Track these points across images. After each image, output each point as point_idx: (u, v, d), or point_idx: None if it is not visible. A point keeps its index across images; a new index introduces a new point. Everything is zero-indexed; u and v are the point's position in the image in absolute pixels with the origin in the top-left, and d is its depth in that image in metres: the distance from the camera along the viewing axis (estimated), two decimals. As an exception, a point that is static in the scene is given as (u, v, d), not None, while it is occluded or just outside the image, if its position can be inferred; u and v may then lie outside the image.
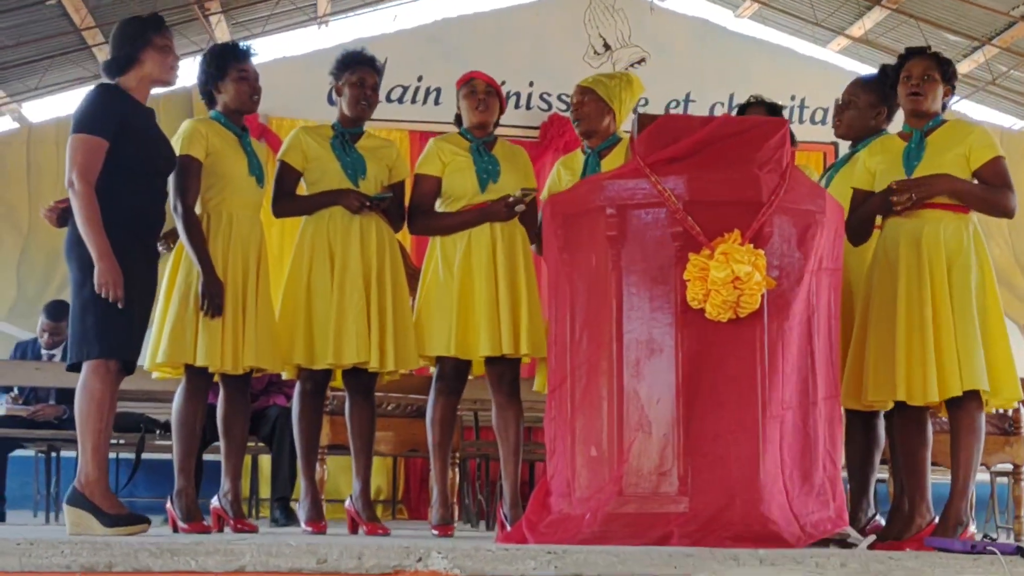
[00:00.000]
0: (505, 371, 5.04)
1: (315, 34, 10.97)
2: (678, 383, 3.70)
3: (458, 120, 5.25)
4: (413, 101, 10.50)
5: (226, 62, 4.80)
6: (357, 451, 4.97)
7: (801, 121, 10.81)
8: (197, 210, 4.68)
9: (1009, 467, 6.09)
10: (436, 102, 10.51)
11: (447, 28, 10.63)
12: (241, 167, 4.74)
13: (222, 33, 10.31)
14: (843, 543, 3.80)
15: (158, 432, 6.81)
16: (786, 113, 10.65)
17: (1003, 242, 10.78)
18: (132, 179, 4.29)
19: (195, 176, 4.63)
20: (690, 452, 3.65)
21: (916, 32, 10.61)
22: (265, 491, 7.70)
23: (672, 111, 10.71)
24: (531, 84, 10.59)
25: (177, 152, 4.61)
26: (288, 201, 5.01)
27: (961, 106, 11.43)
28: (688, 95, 10.73)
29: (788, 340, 3.74)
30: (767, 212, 3.76)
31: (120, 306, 4.13)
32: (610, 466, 3.75)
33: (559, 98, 10.59)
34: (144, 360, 4.59)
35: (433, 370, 5.12)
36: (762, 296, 3.69)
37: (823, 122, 10.84)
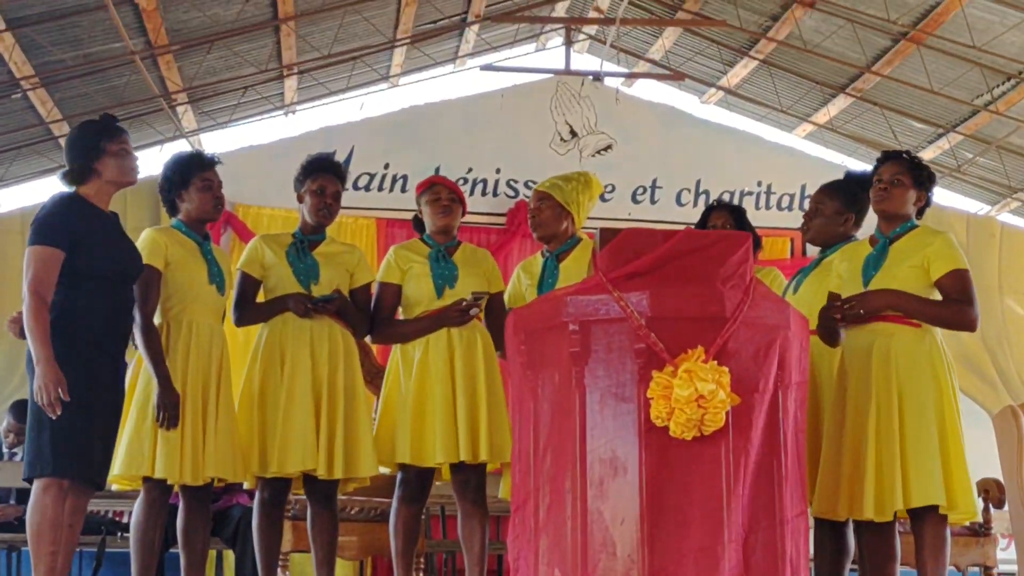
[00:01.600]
0: (470, 477, 4.99)
1: (282, 122, 10.99)
2: (642, 503, 3.63)
3: (418, 224, 5.23)
4: (380, 188, 10.48)
5: (189, 171, 4.78)
6: (319, 562, 4.90)
7: (768, 207, 10.85)
8: (157, 320, 4.64)
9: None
10: (403, 189, 10.49)
11: (414, 116, 10.65)
12: (201, 276, 4.71)
13: (189, 122, 10.31)
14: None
15: (119, 535, 6.69)
16: (752, 200, 10.86)
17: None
18: (97, 288, 4.24)
19: (154, 286, 4.59)
20: (655, 574, 3.59)
21: (881, 119, 10.72)
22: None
23: (639, 197, 10.76)
24: (498, 171, 10.60)
25: None
26: (246, 310, 4.99)
27: (927, 191, 11.52)
28: (655, 181, 10.76)
29: (751, 458, 3.69)
30: (731, 328, 3.72)
31: (53, 417, 4.05)
32: (574, 589, 3.67)
33: (526, 185, 10.60)
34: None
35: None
36: (727, 414, 3.65)
37: (789, 208, 10.88)
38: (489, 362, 4.99)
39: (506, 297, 5.26)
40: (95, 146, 4.39)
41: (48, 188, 4.40)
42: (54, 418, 4.07)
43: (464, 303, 4.91)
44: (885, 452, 4.18)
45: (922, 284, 4.31)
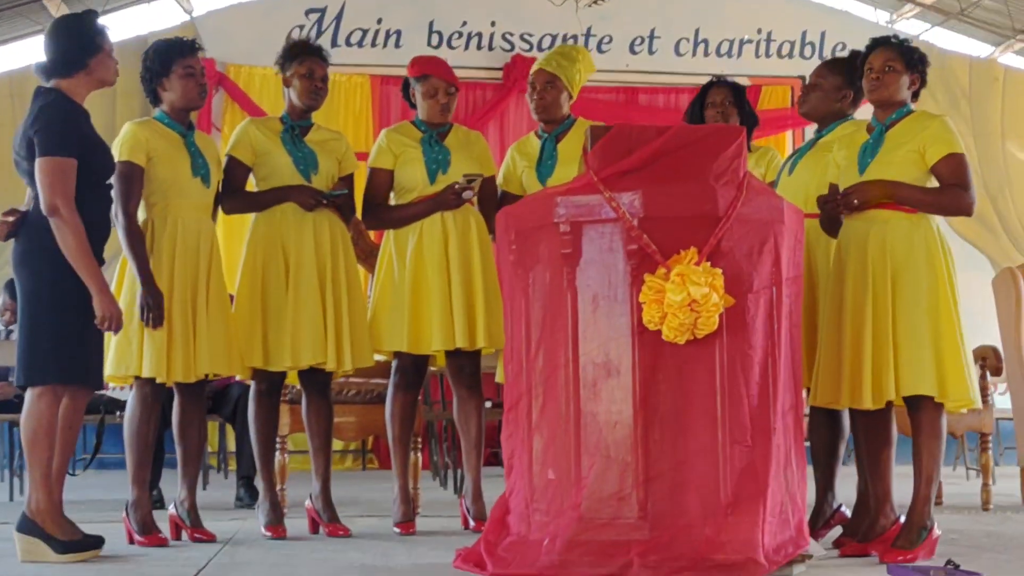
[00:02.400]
0: (465, 363, 4.98)
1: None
2: (636, 406, 3.61)
3: (407, 94, 5.10)
4: (373, 44, 10.30)
5: (170, 58, 4.63)
6: (315, 450, 4.90)
7: (768, 55, 10.68)
8: (140, 216, 4.55)
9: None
10: (397, 45, 10.31)
11: (406, -32, 10.40)
12: (185, 169, 4.60)
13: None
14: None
15: (119, 413, 6.69)
16: (752, 47, 10.66)
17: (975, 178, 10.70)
18: (82, 192, 4.15)
19: (136, 183, 4.49)
20: (650, 478, 3.58)
21: (883, -36, 10.44)
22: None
23: (637, 48, 10.57)
24: (493, 24, 10.40)
25: (117, 158, 4.47)
26: (238, 198, 4.88)
27: (932, 35, 11.29)
28: (653, 31, 10.56)
29: (748, 360, 3.65)
30: (724, 226, 3.65)
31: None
32: (568, 490, 3.66)
33: (522, 38, 10.41)
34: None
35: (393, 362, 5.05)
36: (720, 315, 3.60)
37: (789, 56, 10.72)
38: (484, 246, 4.93)
39: (499, 179, 5.16)
40: (91, 41, 4.26)
41: (34, 113, 4.19)
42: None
43: (457, 186, 4.82)
44: (882, 342, 4.14)
45: (918, 169, 4.22)
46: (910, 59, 4.32)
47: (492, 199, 5.04)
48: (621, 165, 3.73)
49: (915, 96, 4.36)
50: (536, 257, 3.83)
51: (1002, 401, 6.66)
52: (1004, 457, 8.70)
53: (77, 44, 4.26)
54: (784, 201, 3.82)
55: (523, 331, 3.87)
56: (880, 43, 4.35)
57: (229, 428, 7.54)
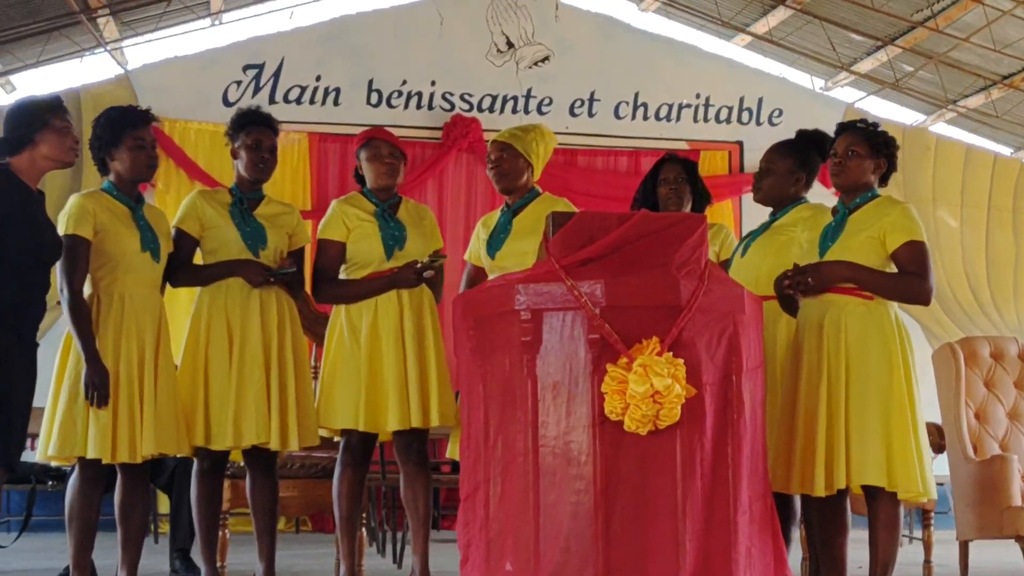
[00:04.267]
0: (412, 440, 4.93)
1: (209, 33, 10.64)
2: (596, 497, 3.59)
3: (359, 178, 5.07)
4: (312, 102, 10.25)
5: (121, 129, 4.57)
6: (260, 531, 4.82)
7: (707, 120, 10.77)
8: (87, 291, 4.47)
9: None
10: (336, 102, 10.28)
11: (346, 26, 10.38)
12: (133, 243, 4.52)
13: (111, 33, 9.94)
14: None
15: (50, 484, 6.56)
16: (690, 112, 10.76)
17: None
18: (15, 271, 4.06)
19: (83, 257, 4.41)
20: (611, 570, 3.55)
21: (820, 31, 10.60)
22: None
23: (577, 111, 10.62)
24: (433, 83, 10.41)
25: (63, 231, 4.40)
26: (185, 271, 4.81)
27: (866, 103, 11.47)
28: (593, 94, 10.62)
29: (706, 449, 3.65)
30: (686, 316, 3.66)
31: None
32: (527, 583, 3.63)
33: (462, 98, 10.43)
34: (37, 451, 4.42)
35: (338, 439, 4.99)
36: (682, 407, 3.59)
37: (727, 120, 10.82)
38: (435, 323, 4.90)
39: (467, 255, 5.16)
40: (39, 118, 4.20)
41: None
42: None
43: (420, 265, 4.79)
44: (834, 428, 4.15)
45: (878, 255, 4.25)
46: (874, 143, 4.36)
47: (440, 273, 5.02)
48: (583, 253, 3.73)
49: (883, 181, 4.41)
50: (495, 344, 3.81)
51: (937, 465, 6.70)
52: (936, 521, 8.77)
53: (25, 122, 4.22)
54: (745, 291, 3.83)
55: (481, 418, 3.84)
56: (845, 128, 4.40)
57: (162, 494, 7.41)
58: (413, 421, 4.74)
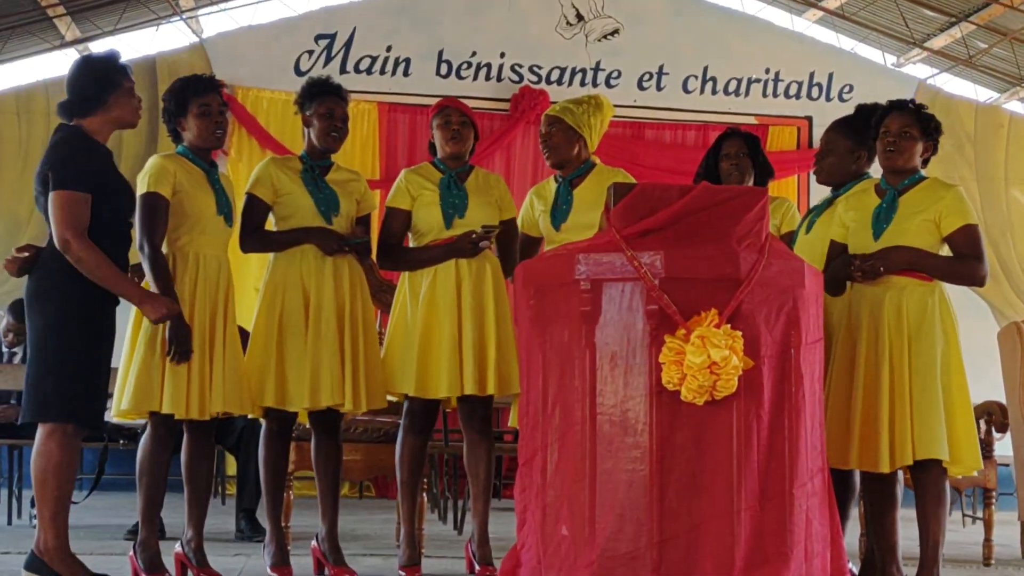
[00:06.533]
0: (476, 407, 4.98)
1: (283, 2, 10.74)
2: (652, 466, 3.60)
3: (432, 148, 5.13)
4: (382, 72, 10.33)
5: (187, 96, 4.64)
6: (323, 492, 4.89)
7: (775, 95, 10.72)
8: (163, 250, 4.56)
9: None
10: (406, 73, 10.34)
11: (417, -2, 10.44)
12: (209, 206, 4.60)
13: (187, 1, 10.06)
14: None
15: (122, 443, 6.70)
16: (759, 87, 10.70)
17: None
18: (100, 232, 4.16)
19: (163, 215, 4.49)
20: (665, 539, 3.57)
21: (892, 5, 10.49)
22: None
23: (645, 84, 10.61)
24: (502, 55, 10.44)
25: (143, 189, 4.48)
26: (257, 237, 4.88)
27: (938, 80, 11.33)
28: (661, 67, 10.60)
29: (764, 423, 3.65)
30: (745, 290, 3.66)
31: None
32: (582, 548, 3.65)
33: (531, 70, 10.45)
34: (112, 408, 4.52)
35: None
36: (739, 378, 3.61)
37: (797, 96, 10.75)
38: (498, 292, 4.94)
39: (519, 221, 5.18)
40: (111, 79, 4.28)
41: (52, 145, 4.23)
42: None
43: (475, 236, 4.84)
44: (898, 406, 4.17)
45: (933, 237, 4.29)
46: (926, 127, 4.35)
47: (512, 242, 5.07)
48: (643, 224, 3.73)
49: (925, 163, 4.40)
50: (555, 314, 3.83)
51: (1001, 447, 6.67)
52: (999, 502, 8.72)
53: (96, 82, 4.29)
54: (805, 265, 3.82)
55: (539, 387, 3.88)
56: (897, 107, 4.38)
57: (229, 456, 7.55)
58: (466, 388, 4.79)
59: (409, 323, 4.90)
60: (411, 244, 5.05)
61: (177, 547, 4.70)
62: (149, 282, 4.49)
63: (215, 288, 4.59)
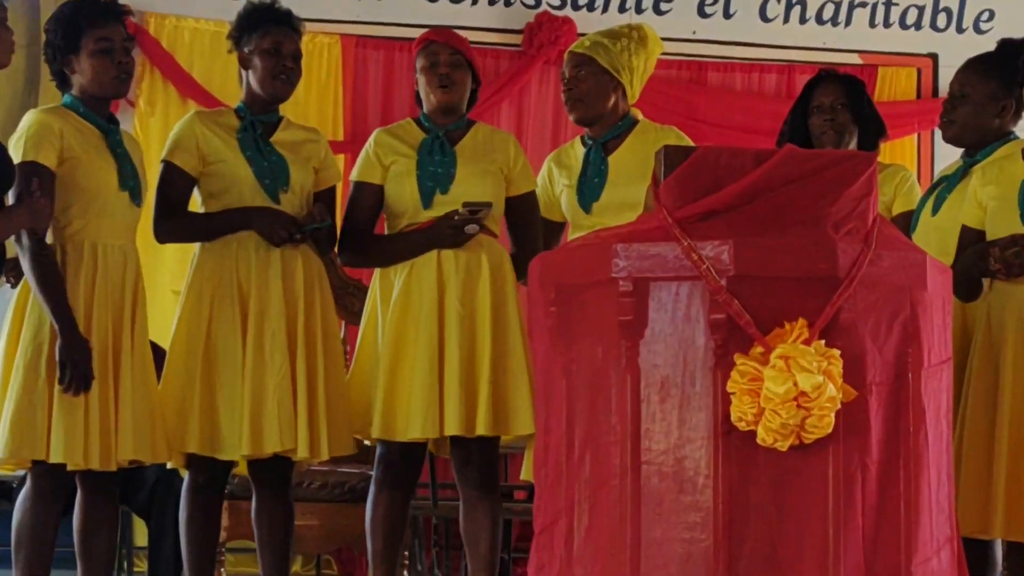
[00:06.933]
0: (474, 454, 5.00)
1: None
2: (718, 534, 3.62)
3: (419, 100, 5.14)
4: (347, -5, 10.33)
5: (78, 28, 4.66)
6: (268, 569, 4.92)
7: (888, 25, 10.70)
8: (48, 240, 4.57)
9: None
10: (378, -6, 10.35)
11: None
12: (109, 178, 4.63)
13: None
14: None
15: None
16: (865, 14, 10.70)
17: None
18: None
19: (48, 193, 4.51)
20: (733, 634, 3.60)
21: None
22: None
23: (708, 9, 10.60)
24: (513, -30, 10.45)
25: (18, 157, 4.50)
26: (177, 221, 4.91)
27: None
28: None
29: (871, 476, 3.67)
30: (845, 292, 3.67)
31: None
32: (621, 647, 3.69)
33: (549, -9, 10.45)
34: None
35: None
36: (837, 413, 3.61)
37: (917, 26, 10.73)
38: (499, 294, 4.94)
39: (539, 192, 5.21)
40: None
41: None
42: None
43: (457, 217, 4.83)
44: None
45: None
46: None
47: (528, 226, 5.07)
48: (705, 203, 3.74)
49: None
50: (584, 325, 3.85)
51: None
52: None
53: None
54: (929, 259, 3.83)
55: (562, 425, 3.89)
56: None
57: (138, 520, 7.57)
58: (448, 427, 4.80)
59: (374, 339, 4.91)
60: (386, 231, 5.06)
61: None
62: (31, 284, 4.50)
63: (119, 290, 4.61)
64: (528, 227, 5.08)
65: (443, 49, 5.05)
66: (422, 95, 5.07)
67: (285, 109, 5.04)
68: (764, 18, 10.62)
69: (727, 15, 10.61)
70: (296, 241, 4.80)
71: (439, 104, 5.03)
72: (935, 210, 4.75)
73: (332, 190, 5.07)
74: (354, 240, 5.05)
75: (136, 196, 4.69)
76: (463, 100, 5.08)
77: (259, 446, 4.71)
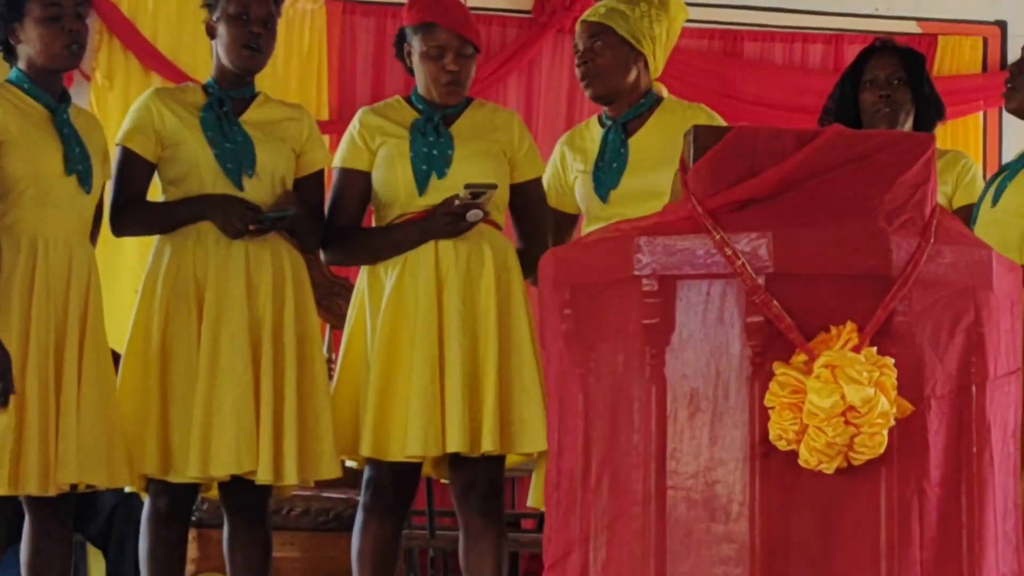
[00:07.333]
0: (477, 476, 5.00)
1: None
2: (755, 569, 3.63)
3: (412, 73, 5.14)
4: (334, -49, 10.36)
5: None
6: (241, 603, 4.93)
7: (948, -13, 10.73)
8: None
9: None
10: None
11: None
12: (54, 161, 4.64)
13: None
14: None
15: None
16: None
17: None
18: None
19: None
20: None
21: None
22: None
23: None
24: (521, -73, 10.47)
25: None
26: (135, 211, 4.92)
27: None
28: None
29: (930, 502, 3.67)
30: (900, 292, 3.67)
31: None
32: None
33: (561, -48, 10.46)
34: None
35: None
36: (890, 431, 3.61)
37: (982, -11, 10.75)
38: (505, 291, 4.96)
39: (546, 180, 5.21)
40: None
41: None
42: None
43: (457, 202, 4.83)
44: None
45: None
46: None
47: (535, 216, 5.07)
48: (740, 191, 3.75)
49: None
50: (602, 329, 3.85)
51: None
52: None
53: None
54: (995, 255, 3.83)
55: (578, 443, 3.90)
56: None
57: (94, 550, 7.59)
58: (451, 444, 4.81)
59: (364, 348, 4.91)
60: (375, 224, 5.06)
61: None
62: None
63: (64, 290, 4.61)
64: (535, 219, 5.08)
65: (452, 39, 5.00)
66: (418, 77, 5.06)
67: (263, 84, 5.03)
68: (813, -19, 10.65)
69: (769, -22, 10.64)
70: (255, 233, 4.78)
71: (443, 104, 5.02)
72: (995, 199, 4.75)
73: (318, 176, 5.07)
74: (340, 233, 5.04)
75: (85, 182, 4.67)
76: (467, 79, 5.07)
77: (208, 467, 4.71)
